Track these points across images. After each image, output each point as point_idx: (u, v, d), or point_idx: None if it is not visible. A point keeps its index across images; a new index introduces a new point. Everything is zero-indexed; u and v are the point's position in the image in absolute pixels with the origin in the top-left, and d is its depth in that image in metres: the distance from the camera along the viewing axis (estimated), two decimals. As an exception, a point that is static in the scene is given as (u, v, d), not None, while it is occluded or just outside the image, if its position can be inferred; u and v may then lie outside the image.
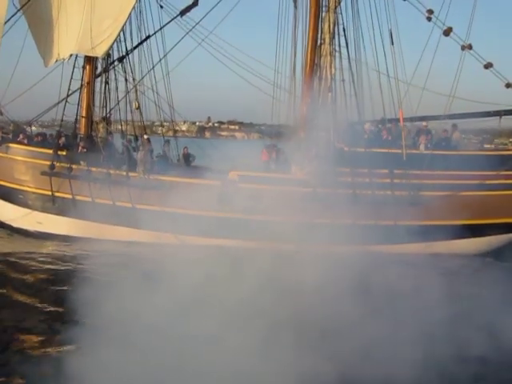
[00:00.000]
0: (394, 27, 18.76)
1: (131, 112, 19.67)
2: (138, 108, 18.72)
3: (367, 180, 17.74)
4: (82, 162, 17.84)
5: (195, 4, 19.31)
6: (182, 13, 19.33)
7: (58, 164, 18.03)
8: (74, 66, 18.92)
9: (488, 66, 19.76)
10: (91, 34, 17.93)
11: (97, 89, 19.77)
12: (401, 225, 17.74)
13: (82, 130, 19.33)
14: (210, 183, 17.67)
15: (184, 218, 17.34)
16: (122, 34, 19.34)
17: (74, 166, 17.83)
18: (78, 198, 17.87)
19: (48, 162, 18.04)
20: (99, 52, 18.29)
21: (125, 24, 18.35)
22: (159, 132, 22.21)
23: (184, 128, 25.32)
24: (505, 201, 18.31)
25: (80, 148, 18.22)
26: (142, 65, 19.97)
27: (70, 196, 17.91)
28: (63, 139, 18.41)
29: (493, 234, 18.57)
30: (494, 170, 18.46)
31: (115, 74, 19.79)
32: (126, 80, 19.62)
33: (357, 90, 18.64)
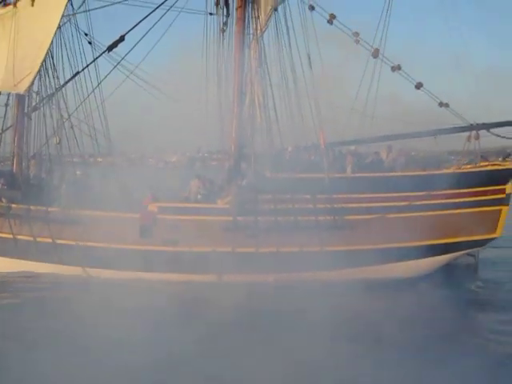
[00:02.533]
0: (315, 51, 18.63)
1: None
2: (59, 143, 18.75)
3: (290, 206, 17.42)
4: (3, 199, 17.89)
5: (122, 39, 19.43)
6: (110, 48, 19.45)
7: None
8: (6, 104, 19.23)
9: (419, 85, 19.56)
10: (13, 71, 18.12)
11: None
12: (326, 251, 17.40)
13: (14, 167, 19.42)
14: (129, 216, 17.51)
15: (104, 251, 17.24)
16: (53, 69, 19.55)
17: (-5, 204, 17.89)
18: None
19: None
20: (21, 88, 18.47)
21: (44, 61, 18.53)
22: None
23: (174, 159, 25.41)
24: (434, 222, 17.84)
25: (0, 185, 18.32)
26: (76, 99, 20.13)
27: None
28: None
29: (423, 256, 18.05)
30: (422, 191, 18.09)
31: (50, 110, 19.90)
32: (58, 115, 19.72)
33: (280, 116, 18.48)
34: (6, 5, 19.12)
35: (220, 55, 19.28)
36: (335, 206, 17.50)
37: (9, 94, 19.29)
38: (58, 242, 17.54)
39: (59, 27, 19.06)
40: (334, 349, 11.52)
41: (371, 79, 19.44)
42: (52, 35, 18.30)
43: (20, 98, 19.45)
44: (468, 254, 19.67)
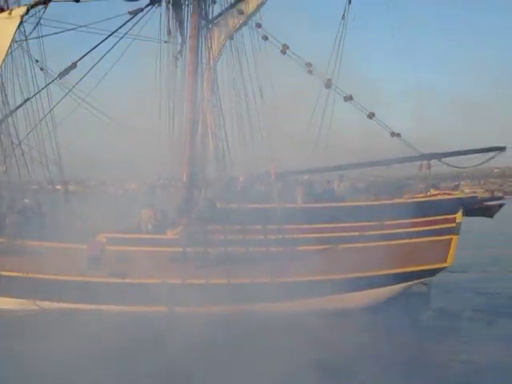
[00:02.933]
0: (267, 81, 18.66)
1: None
2: (6, 171, 18.40)
3: (240, 237, 17.26)
4: None
5: (74, 66, 19.20)
6: (61, 75, 19.21)
7: None
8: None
9: (371, 115, 19.72)
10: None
11: None
12: (277, 282, 17.27)
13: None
14: (77, 247, 17.17)
15: (51, 283, 16.86)
16: (3, 96, 19.25)
17: None
18: None
19: None
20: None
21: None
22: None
23: (133, 186, 25.12)
24: (386, 252, 17.85)
25: None
26: (27, 126, 19.83)
27: None
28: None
29: (376, 286, 18.04)
30: (375, 221, 18.13)
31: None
32: (7, 142, 19.37)
33: (232, 145, 18.43)
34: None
35: (172, 84, 19.14)
36: (286, 236, 17.36)
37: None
38: (3, 273, 17.02)
39: (10, 53, 18.75)
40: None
41: (324, 109, 19.56)
42: (1, 61, 17.98)
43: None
44: (421, 283, 19.73)
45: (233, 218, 17.21)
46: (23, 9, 17.64)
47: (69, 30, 19.36)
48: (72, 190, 20.64)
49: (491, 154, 19.58)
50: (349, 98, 19.64)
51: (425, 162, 19.53)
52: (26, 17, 18.50)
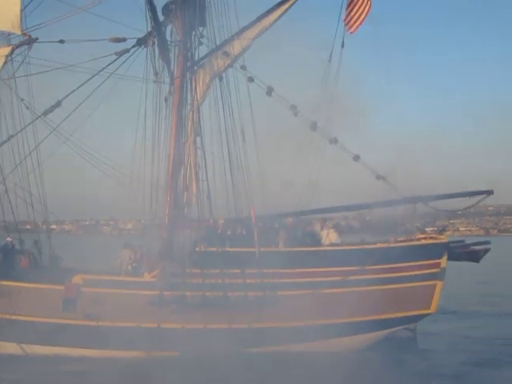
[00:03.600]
0: (250, 124, 18.61)
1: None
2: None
3: (219, 281, 17.01)
4: None
5: (58, 105, 19.26)
6: (45, 113, 19.26)
7: None
8: None
9: (356, 158, 19.59)
10: None
11: None
12: (255, 327, 16.98)
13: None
14: (53, 288, 16.96)
15: (25, 325, 16.62)
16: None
17: None
18: None
19: None
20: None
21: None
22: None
23: (130, 226, 25.12)
24: (369, 297, 17.53)
25: None
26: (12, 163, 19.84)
27: None
28: None
29: (358, 333, 17.68)
30: (357, 265, 17.86)
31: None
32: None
33: (214, 188, 18.27)
34: None
35: (157, 125, 19.06)
36: (266, 281, 17.11)
37: None
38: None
39: None
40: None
41: (310, 152, 19.43)
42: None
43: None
44: (405, 328, 19.36)
45: (211, 261, 16.97)
46: (8, 49, 17.77)
47: (56, 69, 19.50)
48: (67, 229, 20.51)
49: (479, 197, 19.35)
50: (333, 141, 19.53)
51: (409, 206, 19.30)
52: (12, 56, 18.76)
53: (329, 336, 17.30)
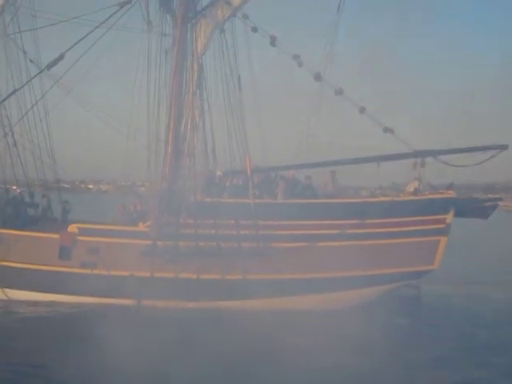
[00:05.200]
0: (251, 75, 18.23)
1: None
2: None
3: (213, 231, 16.87)
4: None
5: (61, 58, 19.30)
6: (49, 66, 19.33)
7: None
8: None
9: (362, 110, 18.95)
10: None
11: None
12: (249, 279, 16.80)
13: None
14: (49, 236, 17.19)
15: (21, 272, 16.96)
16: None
17: None
18: None
19: None
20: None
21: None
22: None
23: (91, 186, 25.51)
24: (366, 251, 17.07)
25: None
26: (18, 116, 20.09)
27: None
28: None
29: (354, 288, 17.27)
30: (356, 219, 17.40)
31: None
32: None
33: (212, 139, 18.06)
34: None
35: (159, 77, 18.85)
36: (260, 232, 16.86)
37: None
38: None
39: None
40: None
41: (314, 102, 18.93)
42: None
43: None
44: (410, 286, 18.84)
45: (206, 211, 16.83)
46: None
47: (60, 22, 19.53)
48: (104, 189, 20.68)
49: (492, 152, 18.45)
50: (339, 92, 18.92)
51: (419, 160, 18.57)
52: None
53: (322, 290, 16.94)
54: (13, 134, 20.05)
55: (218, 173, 18.02)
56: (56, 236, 17.15)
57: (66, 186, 29.82)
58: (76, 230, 17.22)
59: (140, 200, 18.86)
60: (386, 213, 17.50)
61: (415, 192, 18.21)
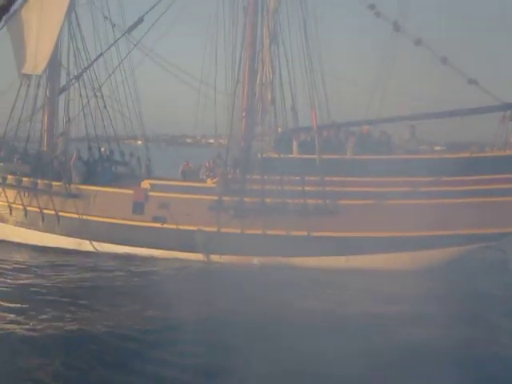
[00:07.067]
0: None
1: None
2: (68, 122, 19.56)
3: (279, 188, 16.72)
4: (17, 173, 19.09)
5: (141, 21, 19.84)
6: (129, 29, 19.99)
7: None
8: (39, 84, 20.50)
9: (444, 60, 17.77)
10: (35, 55, 19.26)
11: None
12: (315, 236, 16.53)
13: (44, 145, 20.65)
14: (124, 192, 17.90)
15: (99, 225, 17.85)
16: (78, 52, 20.47)
17: (9, 177, 19.12)
18: (13, 206, 19.10)
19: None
20: (39, 70, 19.55)
21: (57, 44, 19.52)
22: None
23: (212, 141, 26.10)
24: (441, 211, 16.11)
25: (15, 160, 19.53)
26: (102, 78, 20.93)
27: (5, 204, 19.23)
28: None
29: (426, 248, 16.41)
30: (431, 176, 16.45)
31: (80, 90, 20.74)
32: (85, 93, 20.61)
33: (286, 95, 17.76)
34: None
35: (234, 32, 18.77)
36: (326, 189, 16.45)
37: (40, 76, 20.36)
38: (60, 214, 18.34)
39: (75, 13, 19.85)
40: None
41: (390, 54, 18.00)
42: (61, 21, 19.18)
43: (51, 79, 20.52)
44: (495, 249, 17.55)
45: (272, 168, 16.69)
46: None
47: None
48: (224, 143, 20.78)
49: None
50: (418, 42, 17.83)
51: (508, 113, 17.10)
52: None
53: (392, 249, 16.26)
54: (102, 96, 20.92)
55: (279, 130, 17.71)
56: (130, 192, 17.78)
57: (188, 140, 31.57)
58: (148, 186, 17.75)
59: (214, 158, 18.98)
60: (464, 170, 16.35)
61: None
